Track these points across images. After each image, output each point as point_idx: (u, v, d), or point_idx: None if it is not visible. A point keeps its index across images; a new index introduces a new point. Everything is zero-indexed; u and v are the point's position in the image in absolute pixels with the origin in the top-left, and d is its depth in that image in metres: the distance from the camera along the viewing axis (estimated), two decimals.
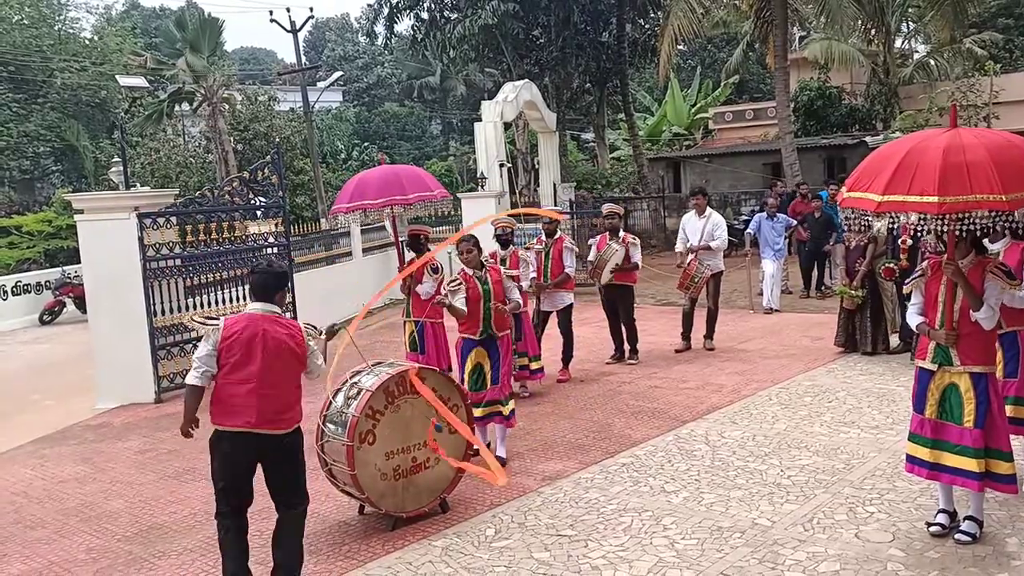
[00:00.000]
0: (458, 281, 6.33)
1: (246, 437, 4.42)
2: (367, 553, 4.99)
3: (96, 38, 33.82)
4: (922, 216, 3.99)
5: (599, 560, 4.68)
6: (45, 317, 17.50)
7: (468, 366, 6.36)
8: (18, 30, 30.19)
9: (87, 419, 8.93)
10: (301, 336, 4.59)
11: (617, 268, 9.03)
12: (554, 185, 19.50)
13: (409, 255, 8.07)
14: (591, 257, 9.39)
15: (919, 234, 5.40)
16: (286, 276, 4.96)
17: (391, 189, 7.37)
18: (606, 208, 9.49)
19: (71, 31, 33.52)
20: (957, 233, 4.15)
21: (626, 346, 9.58)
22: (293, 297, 11.30)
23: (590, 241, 9.96)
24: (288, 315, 4.85)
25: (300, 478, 4.65)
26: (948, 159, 3.98)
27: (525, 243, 9.87)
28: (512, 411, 6.40)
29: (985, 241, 5.25)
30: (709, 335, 10.03)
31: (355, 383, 5.35)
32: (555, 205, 17.67)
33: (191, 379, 4.50)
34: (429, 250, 8.01)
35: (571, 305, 8.94)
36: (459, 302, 6.21)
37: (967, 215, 3.92)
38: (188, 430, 4.52)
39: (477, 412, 6.09)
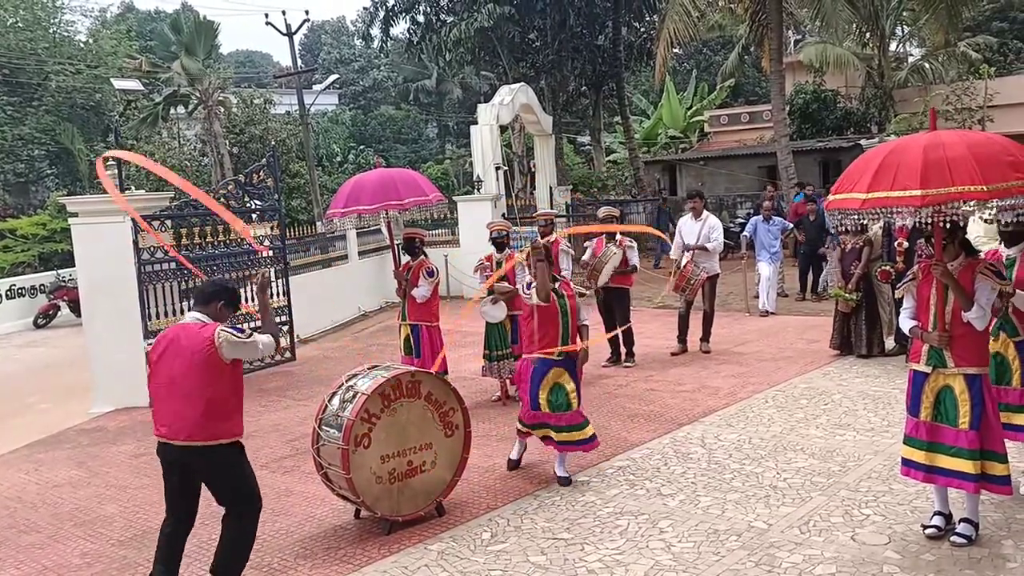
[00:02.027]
0: (532, 282, 5.92)
1: (164, 448, 4.50)
2: (363, 557, 4.98)
3: (91, 41, 33.73)
4: (913, 211, 4.02)
5: (595, 564, 4.67)
6: (40, 320, 17.45)
7: (546, 386, 5.88)
8: (13, 33, 30.10)
9: (82, 423, 8.90)
10: (210, 338, 4.34)
11: (615, 271, 9.06)
12: (550, 188, 19.49)
13: (404, 258, 8.07)
14: (586, 257, 9.42)
15: (917, 234, 5.40)
16: (225, 291, 4.71)
17: (386, 194, 7.35)
18: (603, 211, 9.51)
19: (66, 34, 33.41)
20: (943, 227, 4.19)
21: (622, 349, 9.58)
22: (289, 300, 11.32)
23: (586, 244, 9.97)
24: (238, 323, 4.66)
25: (237, 490, 4.54)
26: (928, 155, 4.08)
27: (521, 246, 9.87)
28: (593, 435, 5.97)
29: (1001, 247, 5.29)
30: (705, 338, 10.04)
31: (351, 386, 5.34)
32: (551, 208, 17.66)
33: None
34: (424, 254, 8.02)
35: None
36: (534, 295, 5.84)
37: (948, 206, 3.96)
38: None
39: (562, 436, 5.85)
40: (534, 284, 5.90)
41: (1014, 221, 4.24)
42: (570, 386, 5.93)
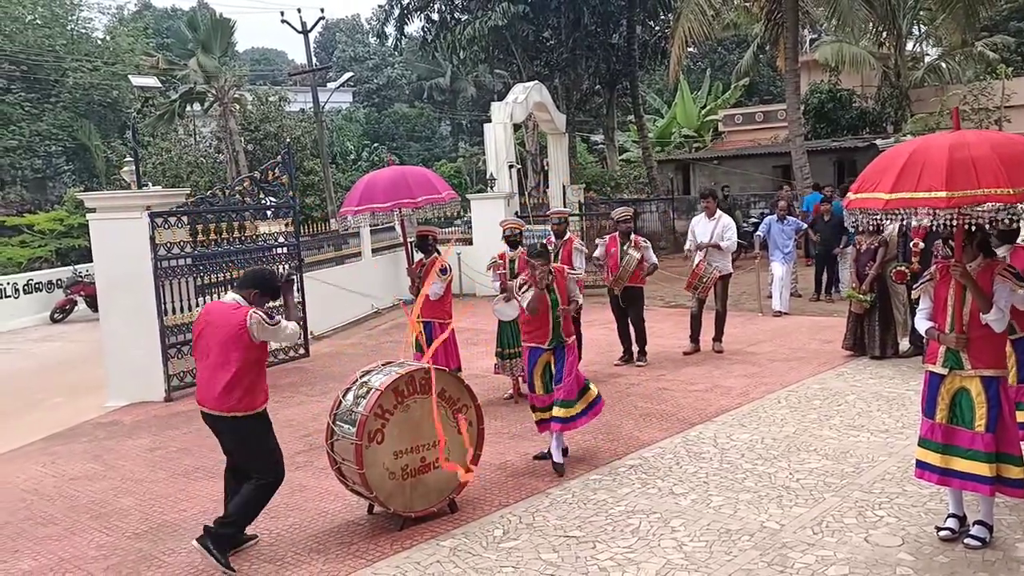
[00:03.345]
0: (526, 284, 6.31)
1: (201, 412, 5.02)
2: (376, 552, 5.01)
3: (108, 38, 34.00)
4: (934, 212, 3.97)
5: (607, 562, 4.68)
6: (56, 315, 17.60)
7: (538, 371, 6.32)
8: (31, 30, 30.38)
9: (98, 417, 8.98)
10: (243, 321, 4.79)
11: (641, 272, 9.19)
12: (563, 186, 19.51)
13: (418, 256, 8.09)
14: (598, 253, 9.45)
15: (934, 235, 5.36)
16: (263, 281, 5.12)
17: (399, 192, 7.36)
18: (618, 212, 9.53)
19: (84, 31, 33.71)
20: (967, 230, 4.15)
21: (634, 347, 9.59)
22: (303, 297, 11.37)
23: (597, 242, 9.98)
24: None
25: (254, 459, 5.01)
26: (954, 155, 4.01)
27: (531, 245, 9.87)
28: (577, 415, 6.25)
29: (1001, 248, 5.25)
30: (718, 337, 10.02)
31: (365, 382, 5.37)
32: (564, 207, 17.67)
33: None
34: (438, 252, 8.04)
35: (580, 306, 8.94)
36: (526, 300, 6.23)
37: (975, 210, 3.92)
38: None
39: (555, 412, 6.14)
40: (527, 291, 6.26)
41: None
42: (553, 365, 6.28)
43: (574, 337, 6.55)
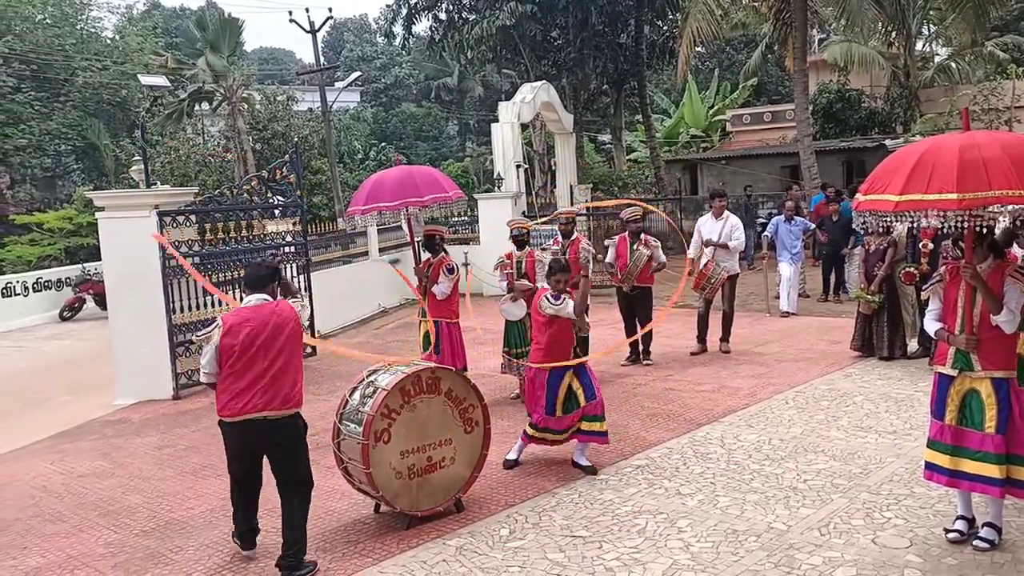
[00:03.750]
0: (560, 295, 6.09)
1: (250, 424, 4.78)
2: (382, 551, 5.01)
3: (118, 37, 34.13)
4: (943, 214, 3.95)
5: (613, 562, 4.67)
6: (65, 313, 17.69)
7: (563, 393, 6.06)
8: (41, 29, 30.50)
9: (106, 415, 9.01)
10: (295, 314, 4.88)
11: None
12: (570, 186, 19.49)
13: (424, 255, 8.09)
14: (609, 258, 9.46)
15: (941, 235, 5.34)
16: (277, 271, 5.20)
17: (406, 191, 7.36)
18: (628, 212, 9.53)
19: (93, 30, 33.83)
20: (977, 231, 4.12)
21: (640, 347, 9.58)
22: (311, 296, 11.39)
23: (606, 242, 9.97)
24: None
25: (303, 463, 4.91)
26: (964, 156, 3.97)
27: (541, 244, 9.88)
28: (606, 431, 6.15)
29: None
30: (725, 338, 10.01)
31: (371, 382, 5.37)
32: (571, 206, 17.66)
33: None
34: (444, 251, 8.05)
35: (587, 307, 8.92)
36: (567, 308, 6.03)
37: (986, 211, 3.89)
38: None
39: (594, 427, 6.10)
40: (567, 300, 6.05)
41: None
42: (576, 384, 6.10)
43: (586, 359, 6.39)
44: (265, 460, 4.94)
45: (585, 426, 6.10)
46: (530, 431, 6.23)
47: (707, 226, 9.96)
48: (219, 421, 4.81)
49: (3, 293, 17.58)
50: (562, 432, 6.17)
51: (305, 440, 4.94)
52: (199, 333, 4.97)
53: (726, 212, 9.98)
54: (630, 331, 9.57)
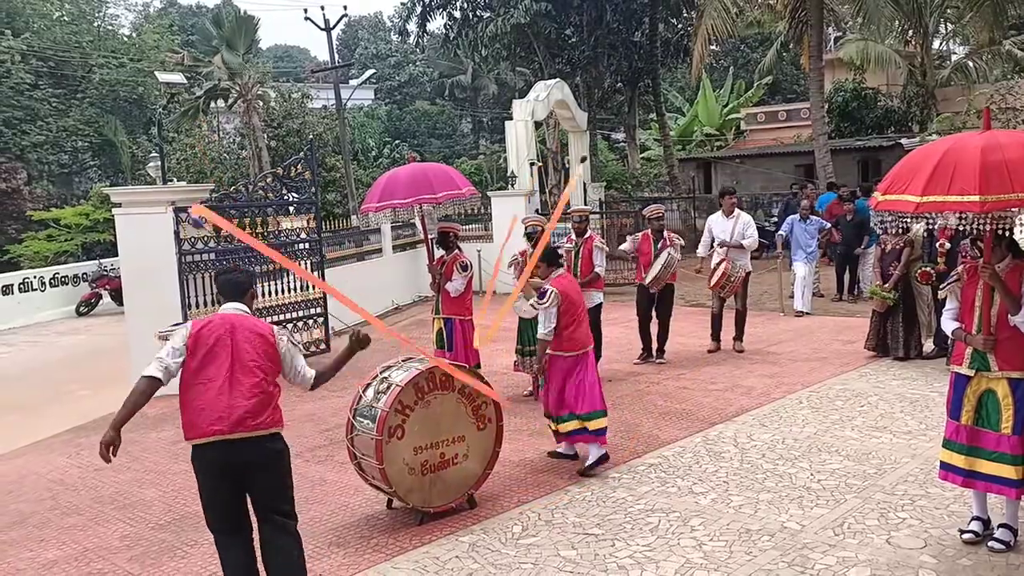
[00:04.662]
0: (554, 302, 6.04)
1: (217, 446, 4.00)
2: (395, 546, 5.03)
3: (134, 35, 34.37)
4: (962, 216, 3.92)
5: (626, 560, 4.67)
6: (82, 308, 17.84)
7: (556, 384, 6.15)
8: (59, 26, 30.77)
9: None
10: (271, 330, 4.21)
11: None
12: (584, 184, 19.47)
13: (439, 252, 8.11)
14: (626, 247, 9.61)
15: (959, 235, 5.30)
16: (255, 277, 4.64)
17: (420, 188, 7.38)
18: (650, 210, 9.55)
19: (110, 28, 34.09)
20: (998, 233, 4.09)
21: (654, 345, 9.58)
22: (324, 293, 11.44)
23: (629, 238, 9.98)
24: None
25: (287, 492, 4.20)
26: (987, 158, 3.92)
27: (555, 242, 9.87)
28: (602, 428, 6.07)
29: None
30: (739, 337, 9.98)
31: (385, 378, 5.40)
32: (584, 205, 17.66)
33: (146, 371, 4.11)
34: (458, 248, 8.05)
35: (600, 304, 8.93)
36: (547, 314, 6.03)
37: (1008, 214, 3.86)
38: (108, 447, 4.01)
39: (563, 427, 6.11)
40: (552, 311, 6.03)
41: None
42: (571, 379, 6.09)
43: (591, 348, 6.29)
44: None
45: (585, 423, 6.04)
46: (551, 424, 6.30)
47: (718, 225, 9.92)
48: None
49: (20, 288, 17.76)
50: (561, 419, 6.13)
51: (289, 467, 4.24)
52: (161, 330, 4.32)
53: (736, 210, 9.93)
54: (643, 329, 9.56)
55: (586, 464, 6.08)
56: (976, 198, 3.86)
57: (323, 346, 11.29)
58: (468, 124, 50.09)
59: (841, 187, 15.71)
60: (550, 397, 6.19)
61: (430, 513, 5.33)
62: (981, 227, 3.93)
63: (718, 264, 9.67)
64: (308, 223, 11.45)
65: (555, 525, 5.20)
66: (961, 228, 4.03)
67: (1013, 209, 3.84)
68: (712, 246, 9.88)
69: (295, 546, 4.16)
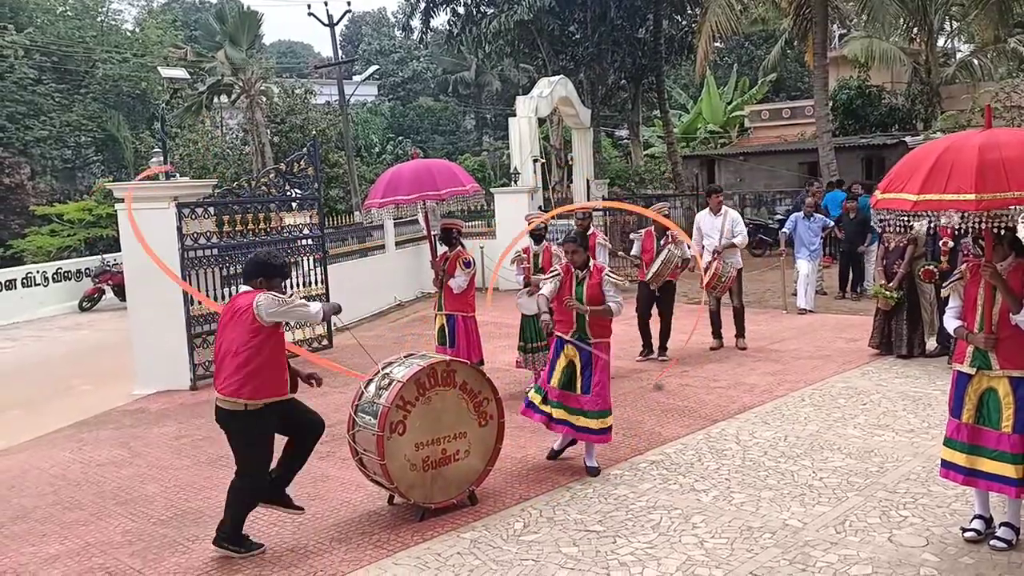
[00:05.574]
0: (557, 272, 6.12)
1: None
2: (396, 542, 5.04)
3: (138, 30, 34.42)
4: (962, 215, 3.91)
5: (627, 557, 4.67)
6: (84, 304, 17.86)
7: (560, 363, 6.03)
8: (62, 21, 30.81)
9: (124, 404, 9.10)
10: (251, 302, 4.82)
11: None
12: (587, 181, 19.45)
13: (441, 249, 8.10)
14: (634, 251, 9.52)
15: (960, 234, 5.28)
16: (263, 268, 5.06)
17: (423, 184, 7.37)
18: (655, 207, 9.54)
19: (113, 23, 34.15)
20: (995, 231, 4.08)
21: (655, 342, 9.58)
22: (327, 289, 11.45)
23: (632, 236, 9.96)
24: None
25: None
26: (984, 156, 3.92)
27: (559, 239, 9.87)
28: (607, 428, 5.96)
29: None
30: (740, 334, 9.97)
31: (387, 374, 5.40)
32: (588, 201, 17.64)
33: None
34: (462, 244, 8.05)
35: (609, 311, 8.92)
36: (546, 288, 6.04)
37: (1005, 212, 3.85)
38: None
39: (556, 413, 5.97)
40: (550, 285, 6.08)
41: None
42: (577, 364, 5.98)
43: (607, 342, 6.12)
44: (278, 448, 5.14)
45: (574, 420, 5.94)
46: (531, 396, 6.20)
47: (706, 222, 9.89)
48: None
49: (24, 283, 17.79)
50: (549, 403, 6.04)
51: (261, 439, 4.97)
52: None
53: (724, 208, 9.90)
54: (643, 326, 9.56)
55: (588, 466, 6.06)
56: (972, 196, 3.85)
57: (325, 342, 11.29)
58: (471, 120, 50.05)
59: (852, 184, 15.66)
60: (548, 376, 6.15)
61: (431, 509, 5.33)
62: (979, 225, 3.92)
63: (709, 264, 9.65)
64: (311, 219, 11.46)
65: (556, 522, 5.20)
66: (961, 226, 4.01)
67: (1011, 207, 3.83)
68: (703, 244, 9.85)
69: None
